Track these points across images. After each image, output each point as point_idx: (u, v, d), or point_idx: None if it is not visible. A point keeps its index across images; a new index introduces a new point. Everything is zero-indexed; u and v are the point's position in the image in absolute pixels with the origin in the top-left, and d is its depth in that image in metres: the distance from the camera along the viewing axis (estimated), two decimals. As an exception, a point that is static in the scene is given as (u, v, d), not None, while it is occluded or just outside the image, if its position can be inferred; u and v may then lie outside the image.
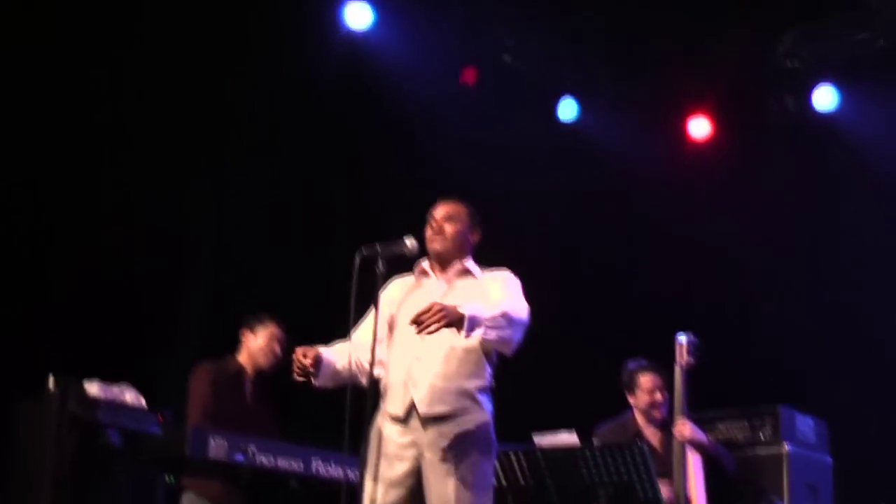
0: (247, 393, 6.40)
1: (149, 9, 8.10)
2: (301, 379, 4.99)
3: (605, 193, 9.44)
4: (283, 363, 6.30)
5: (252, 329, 6.49)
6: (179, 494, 6.25)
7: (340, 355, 5.08)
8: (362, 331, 5.10)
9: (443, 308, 4.63)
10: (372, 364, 4.88)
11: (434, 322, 4.60)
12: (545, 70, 9.58)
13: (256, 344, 6.48)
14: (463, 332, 4.67)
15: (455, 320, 4.64)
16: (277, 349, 6.46)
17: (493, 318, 4.75)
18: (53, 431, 6.49)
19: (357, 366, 5.07)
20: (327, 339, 5.31)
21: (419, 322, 4.62)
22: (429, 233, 5.20)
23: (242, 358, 6.45)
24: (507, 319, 4.79)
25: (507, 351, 4.90)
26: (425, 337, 4.81)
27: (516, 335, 4.85)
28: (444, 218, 5.19)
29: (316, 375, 4.99)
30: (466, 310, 4.67)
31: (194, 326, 6.56)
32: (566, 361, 9.39)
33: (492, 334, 4.74)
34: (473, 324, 4.67)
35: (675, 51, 9.01)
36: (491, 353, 5.01)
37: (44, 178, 8.16)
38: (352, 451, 4.93)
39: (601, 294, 9.34)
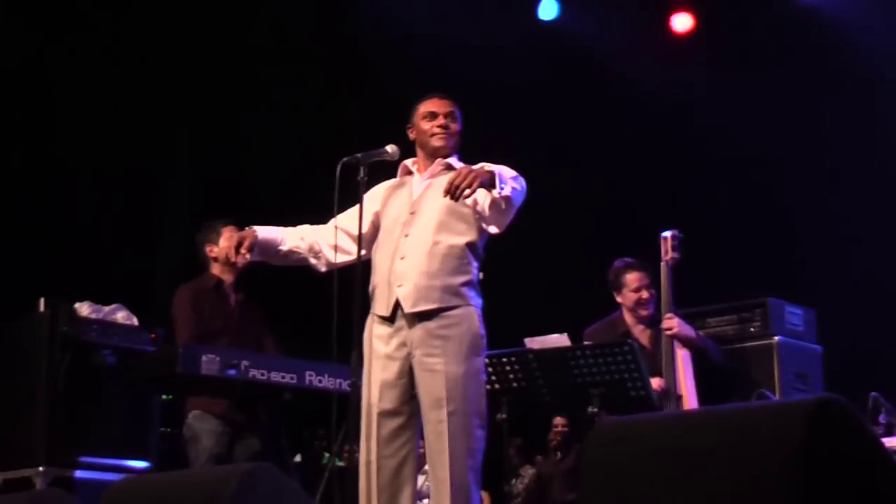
0: (231, 301, 6.38)
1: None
2: (239, 260, 5.13)
3: (588, 93, 9.37)
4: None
5: (211, 241, 6.43)
6: (184, 414, 6.21)
7: (291, 237, 5.18)
8: (341, 218, 5.11)
9: (471, 170, 4.64)
10: (359, 255, 4.92)
11: (467, 186, 4.60)
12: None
13: (220, 250, 6.44)
14: (496, 189, 4.68)
15: (486, 180, 4.66)
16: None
17: (514, 177, 4.81)
18: (45, 352, 6.52)
19: (313, 250, 5.17)
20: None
21: (454, 191, 4.60)
22: (431, 127, 5.12)
23: (216, 270, 6.43)
24: (518, 181, 4.84)
25: (510, 215, 4.87)
26: (409, 235, 4.90)
27: (520, 198, 4.87)
28: (448, 115, 5.14)
29: (251, 254, 5.10)
30: (491, 167, 4.71)
31: (181, 246, 6.52)
32: (554, 264, 9.41)
33: (513, 192, 4.76)
34: (501, 179, 4.71)
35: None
36: (477, 246, 4.98)
37: (35, 115, 8.15)
38: (341, 360, 4.93)
39: (585, 194, 9.32)
